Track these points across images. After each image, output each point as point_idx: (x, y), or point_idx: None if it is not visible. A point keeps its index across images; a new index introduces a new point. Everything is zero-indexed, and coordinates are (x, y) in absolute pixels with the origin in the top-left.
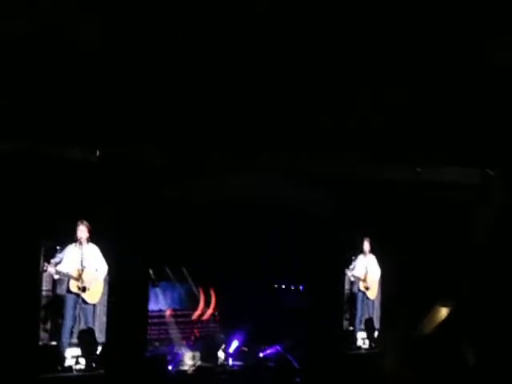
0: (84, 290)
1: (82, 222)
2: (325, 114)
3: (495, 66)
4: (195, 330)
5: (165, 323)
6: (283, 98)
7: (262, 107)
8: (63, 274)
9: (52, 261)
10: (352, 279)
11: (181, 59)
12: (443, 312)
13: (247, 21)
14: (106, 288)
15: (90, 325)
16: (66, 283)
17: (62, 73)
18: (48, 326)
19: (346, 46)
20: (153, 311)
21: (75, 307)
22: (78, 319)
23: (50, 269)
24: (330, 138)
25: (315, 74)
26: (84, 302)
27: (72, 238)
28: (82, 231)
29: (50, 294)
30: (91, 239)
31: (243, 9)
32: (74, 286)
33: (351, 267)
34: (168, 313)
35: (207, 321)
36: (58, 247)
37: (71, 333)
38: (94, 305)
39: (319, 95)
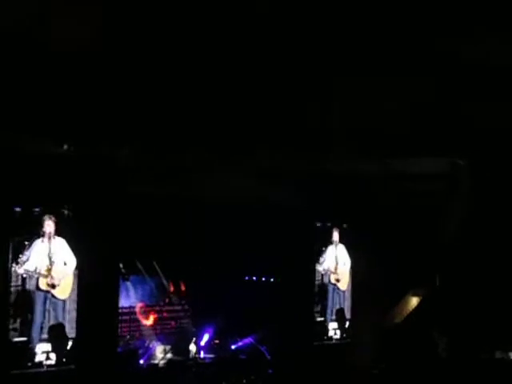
0: (53, 286)
1: (49, 217)
2: (296, 111)
3: (464, 58)
4: (166, 324)
5: (136, 319)
6: (257, 94)
7: (236, 104)
8: (32, 272)
9: (20, 259)
10: (323, 273)
11: (159, 54)
12: (414, 301)
13: (229, 16)
14: (76, 283)
15: (60, 320)
16: (35, 279)
17: (33, 67)
18: (17, 321)
19: (310, 44)
20: (123, 307)
21: (45, 302)
22: (47, 314)
23: (19, 269)
24: (301, 134)
25: (288, 72)
26: (54, 297)
27: (39, 234)
28: (49, 225)
29: (20, 289)
30: (59, 233)
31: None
32: (43, 283)
33: (321, 260)
34: (139, 307)
35: (178, 314)
36: (26, 242)
37: (41, 328)
38: (64, 300)
39: (292, 93)
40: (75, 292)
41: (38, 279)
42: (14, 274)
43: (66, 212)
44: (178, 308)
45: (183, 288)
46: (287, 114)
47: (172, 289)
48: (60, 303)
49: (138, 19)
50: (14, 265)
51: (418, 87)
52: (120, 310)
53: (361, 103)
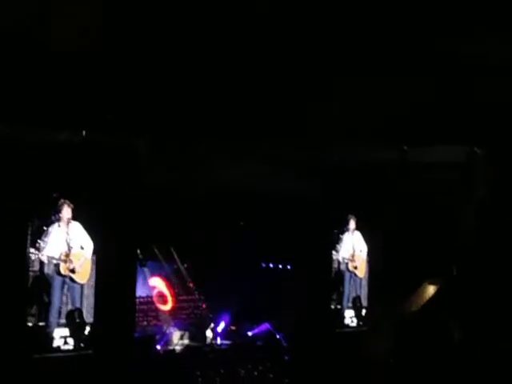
0: (73, 271)
1: (67, 202)
2: (311, 100)
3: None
4: (183, 310)
5: (153, 309)
6: (269, 86)
7: (247, 95)
8: (52, 258)
9: (38, 245)
10: (340, 260)
11: (169, 47)
12: (430, 289)
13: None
14: (94, 268)
15: (78, 305)
16: (53, 264)
17: (47, 57)
18: (35, 306)
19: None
20: (141, 297)
21: (63, 287)
22: (65, 299)
23: (41, 256)
24: (315, 121)
25: (300, 62)
26: (72, 281)
27: (56, 218)
28: (67, 211)
29: (38, 274)
30: (77, 219)
31: None
32: (63, 268)
33: (338, 248)
34: (156, 293)
35: (195, 300)
36: (44, 227)
37: (59, 313)
38: (82, 285)
39: (304, 83)
40: (93, 278)
41: (58, 265)
42: (31, 260)
43: (83, 198)
44: (195, 294)
45: (200, 274)
46: (302, 103)
47: (189, 275)
48: (77, 288)
49: (149, 13)
50: (34, 251)
51: (435, 76)
52: (137, 297)
53: (379, 91)
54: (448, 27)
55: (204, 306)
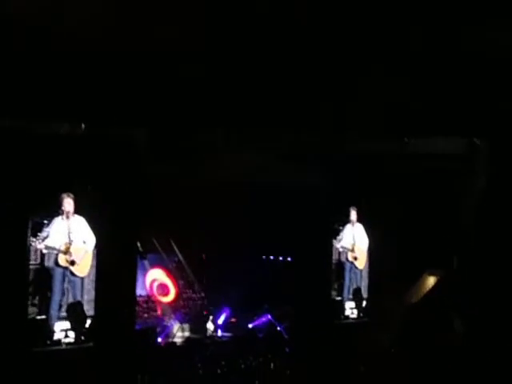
0: (73, 263)
1: (68, 195)
2: (315, 92)
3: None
4: (183, 302)
5: (153, 308)
6: (275, 75)
7: (251, 84)
8: (51, 248)
9: (39, 235)
10: (340, 250)
11: (173, 39)
12: (431, 280)
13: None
14: (95, 261)
15: (78, 298)
16: (54, 257)
17: (49, 49)
18: (36, 299)
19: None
20: (140, 296)
21: (63, 280)
22: (66, 292)
23: (39, 245)
24: (319, 114)
25: (310, 55)
26: (72, 274)
27: (58, 212)
28: (69, 204)
29: (39, 267)
30: (78, 212)
31: None
32: (62, 259)
33: (339, 238)
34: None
35: (195, 293)
36: (45, 221)
37: (60, 306)
38: (82, 278)
39: (312, 76)
40: (93, 271)
41: (57, 256)
42: (32, 251)
43: (85, 191)
44: (196, 286)
45: (200, 266)
46: (306, 95)
47: (189, 267)
48: (78, 282)
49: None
50: (33, 240)
51: (435, 67)
52: (138, 296)
53: (380, 83)
54: (448, 16)
55: (204, 298)
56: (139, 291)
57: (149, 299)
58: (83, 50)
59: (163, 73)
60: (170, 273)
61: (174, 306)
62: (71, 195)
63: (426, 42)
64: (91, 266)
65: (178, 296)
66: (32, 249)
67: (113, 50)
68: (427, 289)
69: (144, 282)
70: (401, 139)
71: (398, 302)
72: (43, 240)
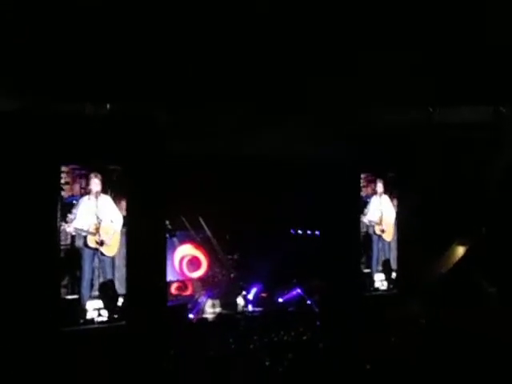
0: (102, 243)
1: (96, 176)
2: (334, 63)
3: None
4: (214, 278)
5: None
6: (295, 49)
7: (273, 60)
8: (81, 230)
9: (68, 218)
10: (367, 224)
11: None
12: (460, 251)
13: None
14: (124, 240)
15: (109, 277)
16: (83, 237)
17: (70, 28)
18: (68, 279)
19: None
20: (171, 281)
21: (93, 260)
22: (96, 272)
23: (68, 228)
24: (343, 87)
25: (335, 26)
26: (102, 254)
27: (86, 192)
28: (96, 184)
29: (69, 247)
30: (105, 191)
31: None
32: (91, 240)
33: (366, 211)
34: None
35: (225, 269)
36: (74, 201)
37: (91, 285)
38: (113, 257)
39: (337, 48)
40: (124, 249)
41: (86, 237)
42: (63, 232)
43: (112, 170)
44: (225, 262)
45: (229, 242)
46: (331, 68)
47: (218, 243)
48: (108, 260)
49: None
50: (63, 223)
51: (460, 36)
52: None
53: (403, 51)
54: None
55: (234, 273)
56: (169, 277)
57: (179, 283)
58: (104, 32)
59: (184, 51)
60: (199, 246)
61: (205, 281)
62: (98, 175)
63: (452, 11)
64: (121, 245)
65: (210, 268)
66: (62, 230)
67: (133, 32)
68: (456, 258)
69: (173, 261)
70: (426, 109)
71: (428, 272)
72: (72, 222)
